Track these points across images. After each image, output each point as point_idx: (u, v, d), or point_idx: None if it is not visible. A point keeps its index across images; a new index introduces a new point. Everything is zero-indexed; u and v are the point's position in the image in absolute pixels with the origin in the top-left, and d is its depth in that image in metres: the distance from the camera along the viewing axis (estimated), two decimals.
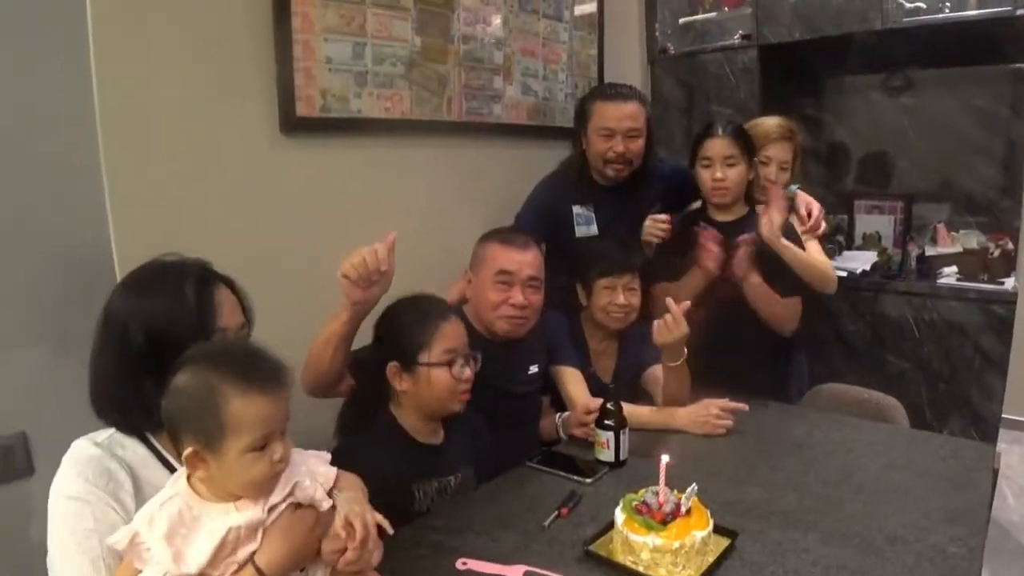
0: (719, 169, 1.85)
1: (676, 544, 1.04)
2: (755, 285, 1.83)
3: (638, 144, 1.96)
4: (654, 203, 2.08)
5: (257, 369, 0.86)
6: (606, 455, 1.49)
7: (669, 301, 1.57)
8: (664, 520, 1.07)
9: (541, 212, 2.10)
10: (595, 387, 1.78)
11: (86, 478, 0.91)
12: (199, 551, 0.82)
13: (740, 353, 1.91)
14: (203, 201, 1.57)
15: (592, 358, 1.86)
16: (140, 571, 0.83)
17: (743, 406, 1.68)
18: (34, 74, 1.33)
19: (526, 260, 1.63)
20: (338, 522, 0.90)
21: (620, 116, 1.94)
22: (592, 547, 1.13)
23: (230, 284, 1.07)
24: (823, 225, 1.94)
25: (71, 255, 1.33)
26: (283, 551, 0.85)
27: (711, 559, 1.08)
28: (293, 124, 1.68)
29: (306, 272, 1.70)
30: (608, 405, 1.51)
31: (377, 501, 1.21)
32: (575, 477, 1.44)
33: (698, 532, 1.07)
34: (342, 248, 1.75)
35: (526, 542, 1.20)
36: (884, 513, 1.25)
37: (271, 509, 0.87)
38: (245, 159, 1.63)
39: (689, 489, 1.12)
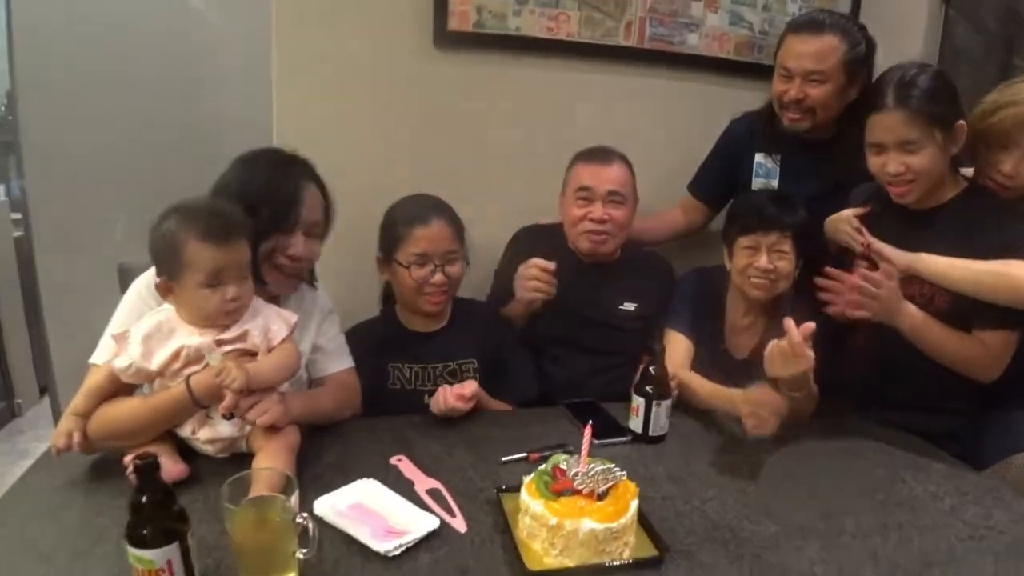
0: (894, 157, 1.27)
1: (553, 521, 0.88)
2: (911, 329, 1.29)
3: (821, 91, 1.51)
4: (862, 171, 1.63)
5: (212, 223, 1.04)
6: (634, 423, 1.31)
7: (788, 323, 1.16)
8: (560, 492, 0.91)
9: (722, 155, 1.81)
10: (724, 365, 1.54)
11: (146, 285, 1.16)
12: (161, 355, 1.05)
13: (914, 392, 1.42)
14: (356, 107, 1.70)
15: (727, 333, 1.59)
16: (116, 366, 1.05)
17: None
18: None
19: (607, 175, 1.58)
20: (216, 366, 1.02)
21: (801, 54, 1.51)
22: (504, 493, 1.03)
23: (322, 187, 1.25)
24: None
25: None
26: (212, 379, 1.02)
27: (605, 560, 0.89)
28: (445, 38, 1.67)
29: (445, 185, 1.63)
30: (650, 368, 1.30)
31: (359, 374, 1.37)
32: None
33: (591, 522, 0.88)
34: (489, 167, 1.83)
35: (471, 467, 1.15)
36: None
37: (220, 343, 1.06)
38: (398, 69, 1.70)
39: (605, 467, 0.92)
